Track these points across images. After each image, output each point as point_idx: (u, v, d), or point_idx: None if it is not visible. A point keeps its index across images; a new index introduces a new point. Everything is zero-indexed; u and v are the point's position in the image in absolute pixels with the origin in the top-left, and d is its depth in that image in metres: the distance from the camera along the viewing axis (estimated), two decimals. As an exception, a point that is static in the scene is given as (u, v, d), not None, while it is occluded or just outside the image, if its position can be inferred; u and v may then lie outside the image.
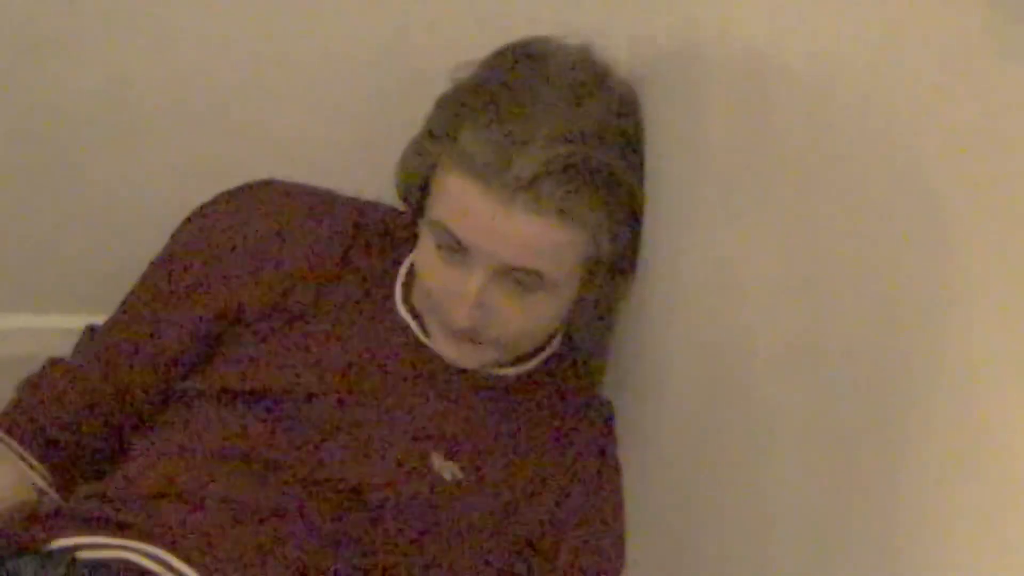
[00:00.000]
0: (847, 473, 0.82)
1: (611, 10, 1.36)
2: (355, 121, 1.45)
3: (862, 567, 0.78)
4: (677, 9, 1.25)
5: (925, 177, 0.73)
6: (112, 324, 1.35)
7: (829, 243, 0.86)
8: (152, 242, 1.37)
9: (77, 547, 1.16)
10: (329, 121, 1.45)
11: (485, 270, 1.20)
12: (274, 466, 1.22)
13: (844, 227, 0.83)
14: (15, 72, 1.37)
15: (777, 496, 0.93)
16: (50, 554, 1.16)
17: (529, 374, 1.34)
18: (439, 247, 1.22)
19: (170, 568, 1.15)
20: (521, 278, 1.21)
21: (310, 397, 1.25)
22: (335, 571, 1.20)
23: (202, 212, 1.36)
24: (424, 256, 1.25)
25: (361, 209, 1.38)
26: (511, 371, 1.33)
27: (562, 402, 1.34)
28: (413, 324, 1.31)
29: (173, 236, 1.36)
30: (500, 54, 1.27)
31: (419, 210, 1.28)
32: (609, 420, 1.37)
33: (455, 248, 1.21)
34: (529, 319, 1.24)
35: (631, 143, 1.25)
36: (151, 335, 1.32)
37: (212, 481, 1.21)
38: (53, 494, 1.31)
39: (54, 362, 1.36)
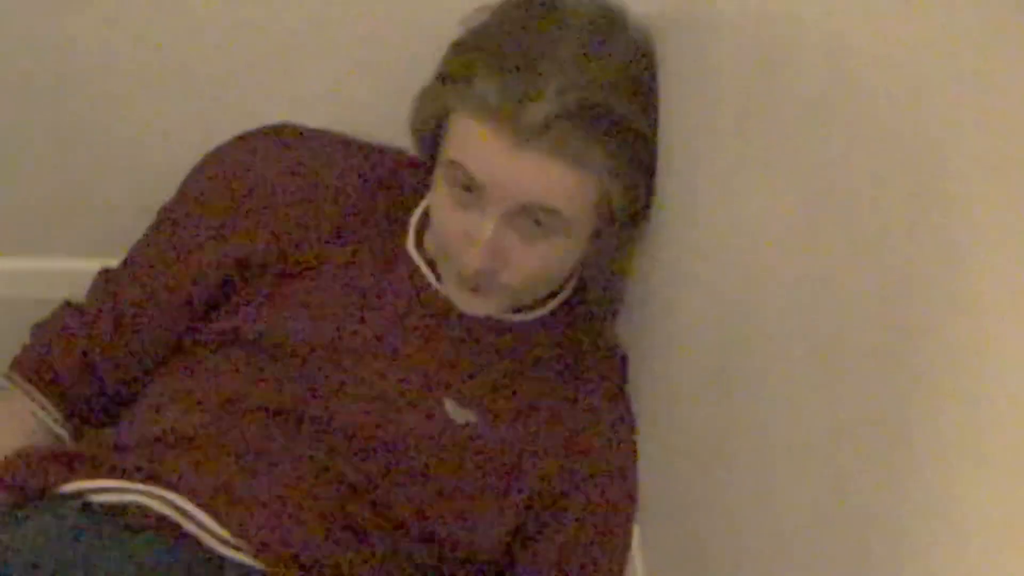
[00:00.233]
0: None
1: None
2: (370, 67, 1.43)
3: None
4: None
5: (940, 129, 0.72)
6: (123, 269, 1.36)
7: (844, 192, 0.85)
8: (170, 187, 1.37)
9: (88, 491, 1.17)
10: (345, 67, 1.44)
11: (499, 211, 1.19)
12: (287, 414, 1.22)
13: (859, 177, 0.82)
14: (41, 27, 1.37)
15: (788, 447, 0.93)
16: (62, 497, 1.17)
17: (542, 321, 1.33)
18: (454, 189, 1.22)
19: (185, 513, 1.16)
20: (539, 217, 1.20)
21: (321, 345, 1.25)
22: (349, 517, 1.21)
23: (214, 157, 1.35)
24: (439, 199, 1.24)
25: (374, 155, 1.37)
26: (524, 317, 1.32)
27: (575, 349, 1.34)
28: (426, 269, 1.30)
29: (185, 181, 1.36)
30: (514, 0, 1.26)
31: (433, 155, 1.28)
32: (623, 368, 1.37)
33: (470, 188, 1.20)
34: (542, 264, 1.23)
35: (645, 91, 1.24)
36: (162, 282, 1.32)
37: (225, 429, 1.21)
38: (67, 436, 1.32)
39: (68, 306, 1.37)
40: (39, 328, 1.36)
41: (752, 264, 1.03)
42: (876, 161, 0.79)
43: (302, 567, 1.17)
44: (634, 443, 1.32)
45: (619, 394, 1.34)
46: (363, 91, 1.44)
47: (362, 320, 1.27)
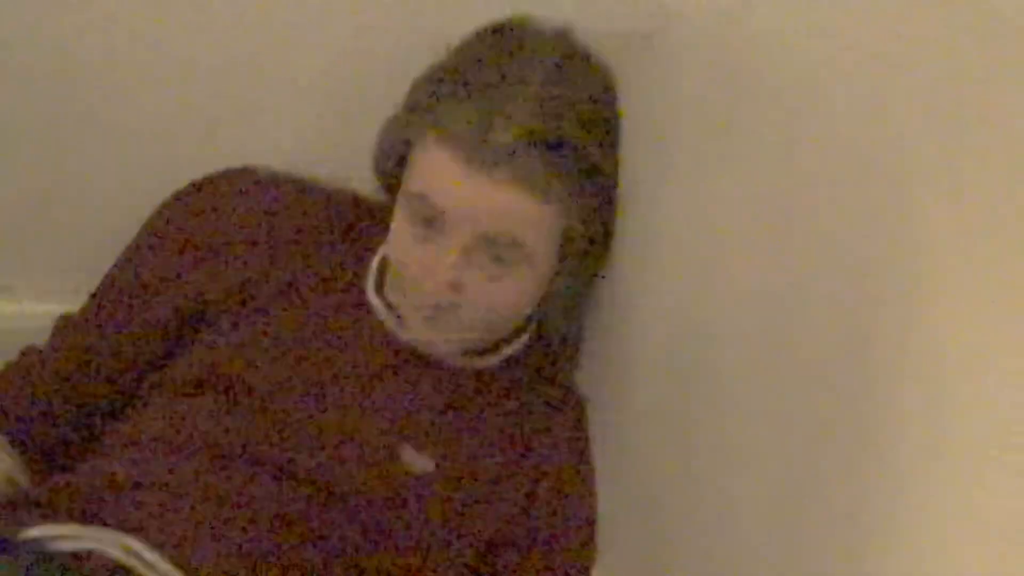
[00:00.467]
0: (817, 462, 0.81)
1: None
2: (334, 105, 1.44)
3: (831, 559, 0.78)
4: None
5: (886, 143, 0.72)
6: (83, 313, 1.35)
7: (801, 229, 0.85)
8: (129, 230, 1.36)
9: (46, 537, 1.15)
10: (310, 106, 1.45)
11: (460, 242, 1.19)
12: (244, 458, 1.22)
13: (821, 199, 0.82)
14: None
15: (747, 487, 0.92)
16: (19, 545, 1.15)
17: (502, 367, 1.33)
18: (415, 223, 1.21)
19: (142, 559, 1.15)
20: (498, 250, 1.20)
21: (279, 388, 1.25)
22: (307, 563, 1.19)
23: (173, 200, 1.35)
24: (399, 233, 1.24)
25: (335, 199, 1.37)
26: (484, 363, 1.32)
27: (534, 395, 1.34)
28: (385, 314, 1.30)
29: (145, 224, 1.36)
30: (478, 34, 1.27)
31: (393, 188, 1.27)
32: (581, 414, 1.36)
33: (431, 220, 1.20)
34: (502, 298, 1.23)
35: (607, 126, 1.25)
36: (120, 329, 1.32)
37: (183, 472, 1.21)
38: (25, 482, 1.30)
39: (28, 351, 1.36)
40: (0, 373, 1.35)
41: (713, 294, 1.03)
42: (837, 183, 0.80)
43: (260, 613, 1.16)
44: (594, 491, 1.32)
45: (579, 440, 1.34)
46: (327, 125, 1.44)
47: (321, 365, 1.27)
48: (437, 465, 1.25)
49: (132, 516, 1.17)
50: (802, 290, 0.84)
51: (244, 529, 1.18)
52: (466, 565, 1.26)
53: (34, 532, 1.16)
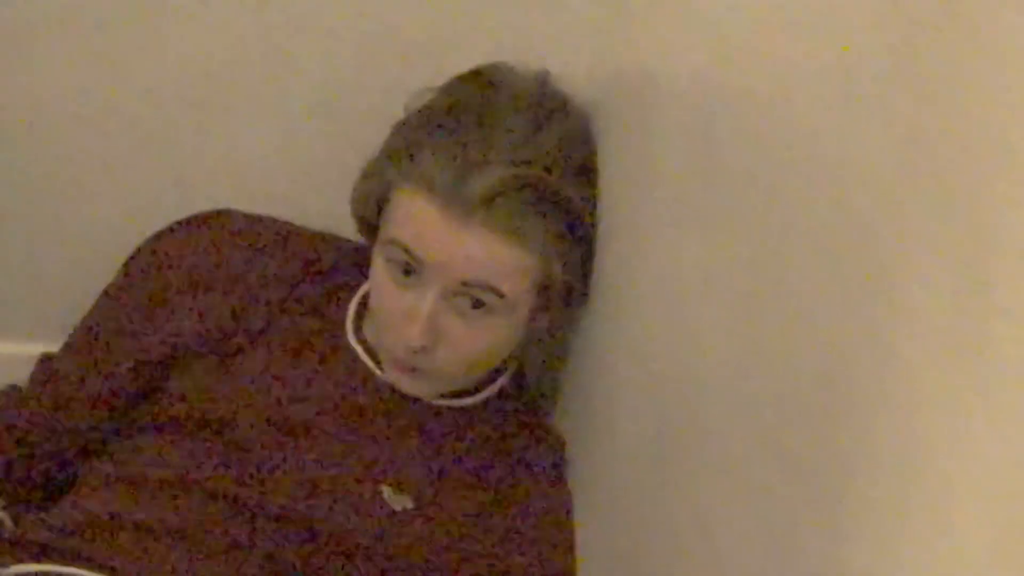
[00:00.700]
0: (797, 500, 0.82)
1: (566, 41, 1.37)
2: (314, 149, 1.45)
3: None
4: (630, 40, 1.26)
5: (860, 199, 0.73)
6: (62, 353, 1.36)
7: (775, 272, 0.86)
8: (110, 270, 1.37)
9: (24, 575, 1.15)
10: (288, 148, 1.45)
11: (438, 289, 1.20)
12: (224, 498, 1.21)
13: (796, 252, 0.83)
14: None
15: (728, 528, 0.93)
16: (-3, 583, 1.15)
17: (481, 406, 1.33)
18: (392, 269, 1.22)
19: None
20: (476, 295, 1.20)
21: (258, 429, 1.24)
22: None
23: (153, 242, 1.36)
24: (377, 279, 1.25)
25: (314, 242, 1.38)
26: (462, 402, 1.32)
27: (513, 434, 1.34)
28: (364, 356, 1.30)
29: (124, 266, 1.36)
30: (457, 80, 1.28)
31: (373, 232, 1.28)
32: (560, 453, 1.37)
33: (409, 267, 1.21)
34: (480, 344, 1.24)
35: (585, 173, 1.26)
36: (98, 370, 1.32)
37: (162, 512, 1.20)
38: (7, 521, 1.30)
39: (8, 391, 1.36)
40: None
41: (690, 343, 1.04)
42: (812, 235, 0.81)
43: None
44: (572, 531, 1.32)
45: (558, 481, 1.34)
46: (306, 168, 1.45)
47: (300, 405, 1.27)
48: (416, 504, 1.25)
49: (108, 555, 1.17)
50: (780, 329, 0.85)
51: (222, 570, 1.18)
52: None
53: (13, 570, 1.16)
